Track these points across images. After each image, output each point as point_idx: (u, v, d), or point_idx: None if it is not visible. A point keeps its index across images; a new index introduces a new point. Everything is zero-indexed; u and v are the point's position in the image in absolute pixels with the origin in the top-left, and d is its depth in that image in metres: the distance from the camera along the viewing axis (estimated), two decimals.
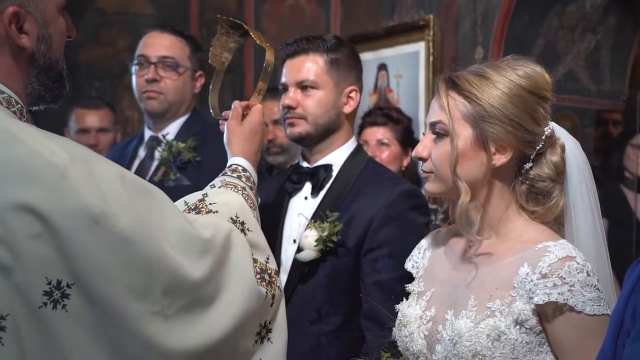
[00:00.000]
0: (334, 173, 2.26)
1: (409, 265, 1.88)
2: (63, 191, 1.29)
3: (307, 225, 2.18)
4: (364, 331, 2.10)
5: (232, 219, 1.64)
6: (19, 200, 1.28)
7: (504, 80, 1.64)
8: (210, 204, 1.67)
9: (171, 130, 2.80)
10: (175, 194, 2.67)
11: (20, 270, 1.27)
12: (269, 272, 1.63)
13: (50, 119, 1.51)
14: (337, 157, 2.28)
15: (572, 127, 4.15)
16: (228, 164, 1.88)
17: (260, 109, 1.95)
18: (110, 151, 3.16)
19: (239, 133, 1.91)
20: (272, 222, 2.26)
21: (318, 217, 2.18)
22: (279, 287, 1.65)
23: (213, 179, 2.67)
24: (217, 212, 1.65)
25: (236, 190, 1.76)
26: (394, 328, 1.80)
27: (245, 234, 1.63)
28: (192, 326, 1.42)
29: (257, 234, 1.68)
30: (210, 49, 2.07)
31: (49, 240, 1.28)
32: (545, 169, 1.68)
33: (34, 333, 1.28)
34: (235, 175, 1.81)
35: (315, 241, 2.13)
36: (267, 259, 1.66)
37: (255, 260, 1.61)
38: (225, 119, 1.97)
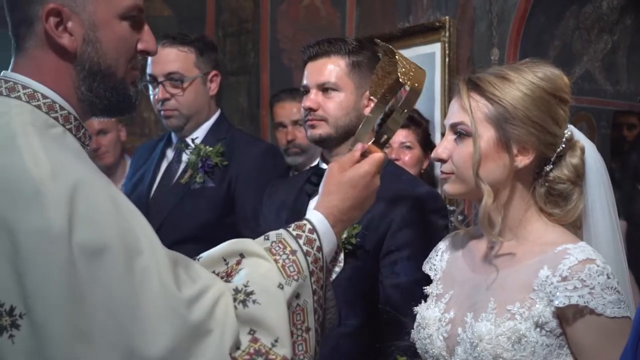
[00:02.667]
0: None
1: (426, 267, 1.89)
2: (31, 208, 1.23)
3: None
4: (383, 334, 2.11)
5: (236, 288, 1.41)
6: None
7: (525, 82, 1.65)
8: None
9: (199, 134, 2.81)
10: (200, 195, 2.72)
11: None
12: (270, 356, 1.38)
13: None
14: None
15: (589, 128, 4.15)
16: (306, 215, 1.61)
17: (376, 161, 1.62)
18: (138, 150, 3.18)
19: (335, 181, 1.60)
20: (290, 223, 2.27)
21: None
22: None
23: (236, 183, 2.66)
24: (242, 269, 1.46)
25: (283, 252, 1.49)
26: (412, 330, 1.81)
27: (245, 305, 1.39)
28: None
29: (267, 309, 1.40)
30: (372, 77, 1.78)
31: (10, 258, 1.21)
32: (565, 171, 1.68)
33: None
34: (295, 233, 1.53)
35: None
36: (276, 341, 1.39)
37: (254, 340, 1.38)
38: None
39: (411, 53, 4.26)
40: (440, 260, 1.86)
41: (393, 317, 2.06)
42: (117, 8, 1.41)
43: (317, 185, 2.28)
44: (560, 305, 1.55)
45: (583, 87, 3.98)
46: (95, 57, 1.41)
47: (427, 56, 4.16)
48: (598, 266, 1.55)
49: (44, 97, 1.38)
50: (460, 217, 3.04)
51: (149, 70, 2.79)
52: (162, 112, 2.79)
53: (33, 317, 1.21)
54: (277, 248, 1.50)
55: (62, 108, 1.40)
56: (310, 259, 1.50)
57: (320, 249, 1.53)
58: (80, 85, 1.42)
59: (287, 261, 1.47)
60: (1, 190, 1.24)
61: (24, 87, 1.38)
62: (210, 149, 2.72)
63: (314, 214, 1.58)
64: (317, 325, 1.50)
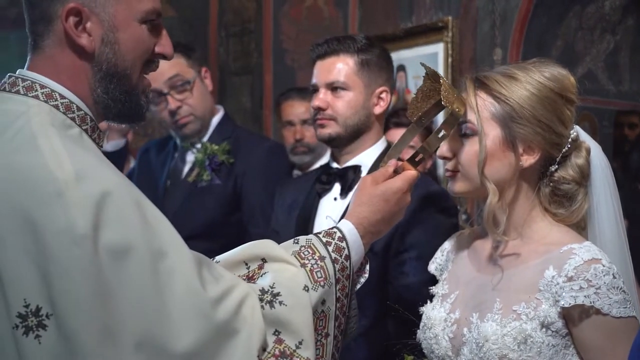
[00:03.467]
0: (363, 174, 2.24)
1: (432, 267, 1.89)
2: (55, 209, 1.23)
3: None
4: (392, 334, 2.11)
5: (262, 289, 1.43)
6: (16, 210, 1.23)
7: (532, 81, 1.65)
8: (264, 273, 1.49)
9: (204, 132, 2.83)
10: (207, 193, 2.73)
11: (4, 280, 1.22)
12: (296, 359, 1.40)
13: None
14: (366, 157, 2.27)
15: (591, 127, 4.15)
16: (336, 224, 1.63)
17: (409, 178, 1.65)
18: (147, 143, 3.19)
19: (367, 193, 1.63)
20: (301, 222, 2.27)
21: None
22: None
23: (243, 180, 2.67)
24: (265, 273, 1.48)
25: (312, 257, 1.51)
26: (418, 330, 1.81)
27: (273, 306, 1.41)
28: None
29: (293, 311, 1.42)
30: (411, 99, 1.79)
31: (34, 258, 1.21)
32: (570, 172, 1.68)
33: (13, 353, 1.22)
34: (325, 240, 1.55)
35: None
36: (300, 343, 1.40)
37: (279, 341, 1.40)
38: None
39: (414, 53, 4.27)
40: (445, 260, 1.86)
41: (402, 316, 2.07)
42: (137, 11, 1.42)
43: (327, 184, 2.28)
44: (566, 305, 1.55)
45: (585, 87, 3.97)
46: (113, 59, 1.41)
47: (430, 56, 4.17)
48: (604, 266, 1.55)
49: (62, 97, 1.39)
50: (464, 217, 3.05)
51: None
52: (177, 122, 2.78)
53: (59, 318, 1.21)
54: (306, 253, 1.52)
55: (79, 109, 1.40)
56: (337, 267, 1.52)
57: (348, 257, 1.55)
58: (96, 87, 1.42)
59: (315, 266, 1.49)
60: (25, 190, 1.25)
61: (42, 87, 1.38)
62: (217, 147, 2.74)
63: (345, 224, 1.60)
64: (337, 331, 1.52)
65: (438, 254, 1.89)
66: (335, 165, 2.30)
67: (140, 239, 1.28)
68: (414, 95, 1.77)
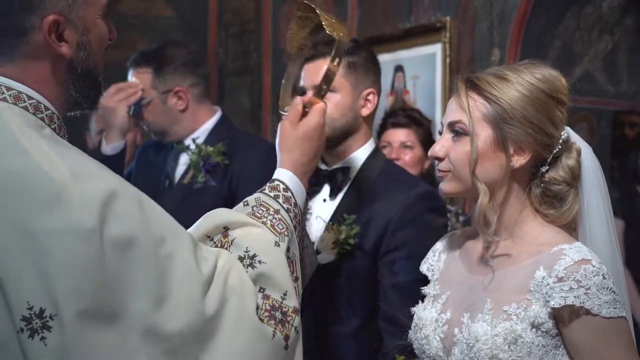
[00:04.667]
0: (352, 175, 2.26)
1: (424, 267, 1.89)
2: (54, 210, 1.24)
3: (325, 228, 2.20)
4: (382, 333, 2.11)
5: (239, 256, 1.50)
6: (13, 214, 1.23)
7: (524, 83, 1.66)
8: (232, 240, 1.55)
9: (200, 134, 2.83)
10: (202, 195, 2.74)
11: (6, 286, 1.23)
12: (284, 309, 1.47)
13: (72, 123, 1.49)
14: (355, 159, 2.28)
15: (589, 128, 4.15)
16: (273, 176, 1.71)
17: (321, 110, 1.77)
18: (146, 146, 3.20)
19: (292, 137, 1.74)
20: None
21: (336, 219, 2.19)
22: (295, 327, 1.49)
23: (238, 182, 2.69)
24: (234, 239, 1.54)
25: (267, 213, 1.60)
26: (410, 330, 1.82)
27: (254, 267, 1.49)
28: None
29: (273, 267, 1.51)
30: (288, 34, 1.91)
31: (35, 260, 1.22)
32: (560, 172, 1.69)
33: (19, 356, 1.23)
34: (272, 194, 1.65)
35: (333, 244, 2.14)
36: (285, 294, 1.49)
37: (266, 297, 1.47)
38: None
39: (412, 53, 4.27)
40: (437, 260, 1.87)
41: (392, 316, 2.08)
42: (99, 7, 1.44)
43: (316, 186, 2.30)
44: (556, 305, 1.55)
45: (583, 88, 3.97)
46: (87, 60, 1.43)
47: (428, 56, 4.17)
48: (594, 266, 1.56)
49: (29, 97, 1.38)
50: (462, 218, 3.05)
51: None
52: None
53: (63, 317, 1.22)
54: (260, 211, 1.61)
55: (46, 108, 1.40)
56: (291, 215, 1.64)
57: (296, 204, 1.67)
58: (70, 89, 1.43)
59: (274, 221, 1.59)
60: (20, 195, 1.25)
61: (8, 89, 1.37)
62: (211, 148, 2.74)
63: (283, 173, 1.70)
64: (301, 272, 1.62)
65: (430, 254, 1.90)
66: (324, 167, 2.31)
67: (141, 229, 1.31)
68: (290, 28, 1.87)
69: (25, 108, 1.37)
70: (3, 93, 1.37)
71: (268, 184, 1.68)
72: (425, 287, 1.85)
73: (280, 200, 1.64)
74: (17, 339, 1.22)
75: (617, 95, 4.25)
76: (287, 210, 1.63)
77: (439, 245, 1.89)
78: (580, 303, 1.54)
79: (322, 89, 1.79)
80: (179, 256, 1.35)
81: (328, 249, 2.15)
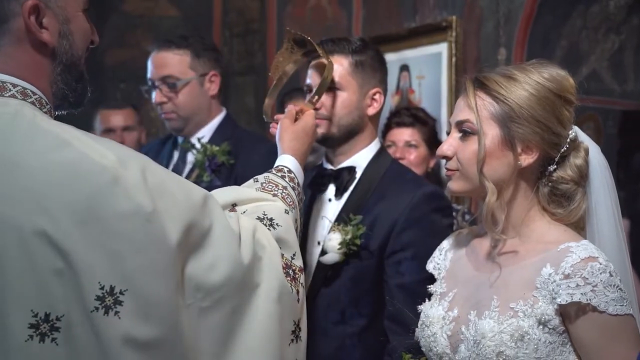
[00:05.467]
0: (358, 175, 2.27)
1: (430, 266, 1.90)
2: (116, 195, 1.30)
3: (331, 228, 2.19)
4: (388, 333, 2.11)
5: (259, 217, 1.65)
6: (75, 204, 1.29)
7: (531, 82, 1.66)
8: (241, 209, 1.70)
9: (205, 133, 2.83)
10: None
11: (73, 273, 1.28)
12: (294, 268, 1.63)
13: (76, 122, 1.50)
14: (360, 159, 2.29)
15: (596, 127, 4.13)
16: (276, 163, 1.94)
17: (313, 115, 2.07)
18: (144, 148, 3.20)
19: (291, 131, 2.00)
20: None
21: (342, 219, 2.19)
22: (302, 284, 1.65)
23: (244, 181, 2.72)
24: (245, 211, 1.68)
25: (277, 188, 1.80)
26: (416, 329, 1.82)
27: (274, 228, 1.65)
28: (232, 328, 1.44)
29: (286, 230, 1.68)
30: (274, 61, 2.17)
31: (102, 243, 1.29)
32: (568, 172, 1.69)
33: (87, 335, 1.29)
34: (279, 174, 1.86)
35: (339, 244, 2.14)
36: (294, 255, 1.66)
37: (282, 255, 1.62)
38: (277, 122, 2.07)
39: (418, 53, 4.26)
40: (444, 259, 1.87)
41: (397, 316, 2.07)
42: (80, 1, 1.48)
43: (322, 185, 2.29)
44: (563, 302, 1.55)
45: (590, 87, 3.93)
46: (70, 51, 1.46)
47: (434, 56, 4.16)
48: (600, 264, 1.56)
49: (33, 93, 1.41)
50: (468, 217, 3.04)
51: (148, 74, 2.82)
52: (161, 116, 2.84)
53: (135, 291, 1.30)
54: (270, 187, 1.81)
55: (47, 102, 1.44)
56: (296, 192, 1.85)
57: (299, 184, 1.90)
58: (57, 80, 1.46)
59: (283, 194, 1.80)
60: (79, 184, 1.30)
61: (14, 85, 1.39)
62: (217, 147, 2.73)
63: (287, 158, 1.94)
64: None
65: (436, 253, 1.90)
66: (329, 166, 2.31)
67: (182, 199, 1.39)
68: (277, 57, 2.16)
69: (33, 103, 1.40)
70: (10, 90, 1.39)
71: (274, 168, 1.90)
72: (431, 286, 1.85)
73: (287, 180, 1.85)
74: (89, 320, 1.29)
75: (624, 94, 4.24)
76: (293, 188, 1.84)
77: (446, 244, 1.90)
78: (587, 300, 1.54)
79: (314, 98, 2.08)
80: (217, 215, 1.46)
81: (334, 249, 2.15)
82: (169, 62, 2.79)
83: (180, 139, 2.91)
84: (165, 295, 1.34)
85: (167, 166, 2.89)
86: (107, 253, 1.29)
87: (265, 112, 2.18)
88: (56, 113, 1.52)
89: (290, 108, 2.08)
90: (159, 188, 1.36)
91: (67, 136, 1.34)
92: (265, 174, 1.86)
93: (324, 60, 2.12)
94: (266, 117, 2.19)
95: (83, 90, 1.53)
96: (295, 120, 2.05)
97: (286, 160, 1.94)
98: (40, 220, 1.28)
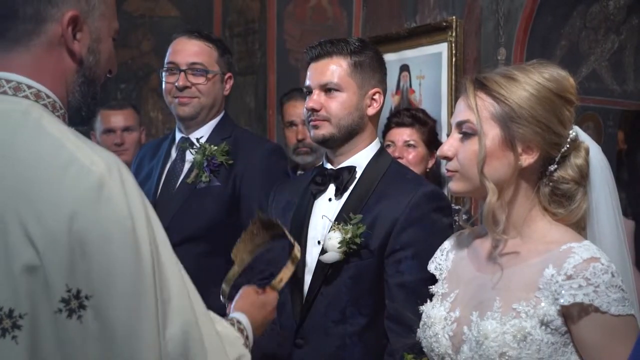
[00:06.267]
0: (358, 175, 2.27)
1: (432, 267, 1.90)
2: (101, 201, 1.31)
3: (331, 227, 2.20)
4: (388, 332, 2.12)
5: None
6: (60, 204, 1.29)
7: (531, 82, 1.66)
8: None
9: (204, 133, 2.83)
10: (206, 195, 2.73)
11: (44, 271, 1.28)
12: None
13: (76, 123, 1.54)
14: (360, 158, 2.29)
15: (596, 127, 4.13)
16: (228, 316, 1.81)
17: (276, 296, 1.94)
18: (142, 149, 3.20)
19: (250, 298, 1.89)
20: (296, 223, 2.29)
21: (342, 219, 2.19)
22: None
23: (241, 182, 2.70)
24: None
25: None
26: (418, 329, 1.82)
27: None
28: None
29: None
30: (237, 243, 2.05)
31: (78, 246, 1.28)
32: (569, 171, 1.69)
33: (50, 335, 1.28)
34: (234, 327, 1.73)
35: (339, 243, 2.15)
36: None
37: None
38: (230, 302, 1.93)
39: (418, 53, 4.27)
40: (445, 259, 1.87)
41: (398, 315, 2.08)
42: (112, 29, 1.53)
43: (322, 185, 2.30)
44: (566, 303, 1.56)
45: (590, 87, 3.97)
46: (94, 68, 1.50)
47: (434, 56, 4.17)
48: (602, 264, 1.56)
49: (47, 96, 1.43)
50: (465, 217, 3.05)
51: (170, 57, 2.82)
52: (177, 100, 2.81)
53: (99, 298, 1.29)
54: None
55: (61, 107, 1.46)
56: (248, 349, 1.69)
57: (249, 339, 1.75)
58: (75, 91, 1.49)
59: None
60: (68, 185, 1.30)
61: (29, 87, 1.42)
62: (215, 147, 2.74)
63: (238, 314, 1.80)
64: None
65: (437, 253, 1.90)
66: (329, 166, 2.32)
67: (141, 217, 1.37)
68: (240, 240, 2.02)
69: (45, 106, 1.42)
70: (24, 91, 1.42)
71: (224, 319, 1.76)
72: (433, 286, 1.85)
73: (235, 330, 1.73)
74: (52, 321, 1.27)
75: (624, 94, 4.24)
76: (245, 345, 1.70)
77: (447, 245, 1.90)
78: (590, 301, 1.54)
79: (279, 279, 1.92)
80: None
81: (334, 247, 2.15)
82: (200, 51, 2.81)
83: (178, 136, 2.90)
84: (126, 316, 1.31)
85: (164, 165, 2.89)
86: (82, 257, 1.28)
87: (223, 294, 2.01)
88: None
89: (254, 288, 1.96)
90: (135, 204, 1.35)
91: (63, 139, 1.36)
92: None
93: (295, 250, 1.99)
94: (223, 299, 2.01)
95: (94, 106, 1.56)
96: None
97: (238, 316, 1.80)
98: (23, 212, 1.28)
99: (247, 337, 1.74)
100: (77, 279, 1.28)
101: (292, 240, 1.96)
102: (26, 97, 1.41)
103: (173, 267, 1.39)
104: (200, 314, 1.40)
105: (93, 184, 1.31)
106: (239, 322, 1.76)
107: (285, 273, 1.94)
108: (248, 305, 1.86)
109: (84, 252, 1.28)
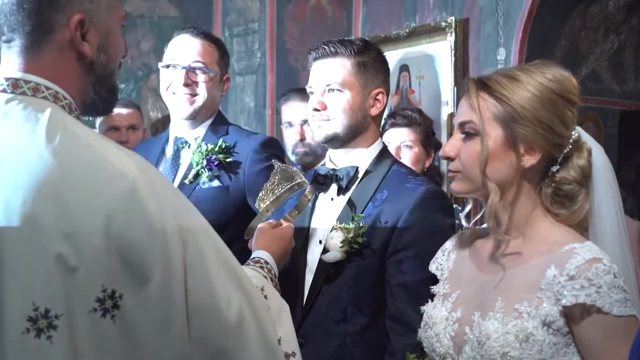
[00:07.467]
0: (360, 174, 2.27)
1: (433, 267, 1.90)
2: (134, 203, 1.32)
3: (333, 226, 2.20)
4: (389, 332, 2.12)
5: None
6: (95, 204, 1.30)
7: (534, 83, 1.66)
8: None
9: (199, 133, 2.82)
10: (207, 194, 2.73)
11: (83, 271, 1.29)
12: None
13: (80, 121, 1.55)
14: (363, 158, 2.29)
15: (596, 128, 4.14)
16: (251, 257, 1.95)
17: (291, 226, 2.11)
18: (135, 149, 3.19)
19: (268, 234, 2.04)
20: (298, 222, 2.29)
21: (344, 218, 2.20)
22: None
23: (244, 176, 2.72)
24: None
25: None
26: (419, 329, 1.82)
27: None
28: None
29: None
30: (260, 193, 2.23)
31: (114, 248, 1.30)
32: (571, 172, 1.69)
33: (85, 335, 1.30)
34: (257, 266, 1.88)
35: (341, 242, 2.15)
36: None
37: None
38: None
39: (417, 53, 4.27)
40: (447, 259, 1.87)
41: (399, 315, 2.08)
42: (119, 18, 1.53)
43: (324, 184, 2.30)
44: (568, 304, 1.56)
45: (589, 87, 3.97)
46: (106, 64, 1.50)
47: (434, 56, 4.17)
48: (605, 265, 1.56)
49: (64, 97, 1.45)
50: (466, 217, 3.06)
51: (170, 54, 2.81)
52: (175, 96, 2.80)
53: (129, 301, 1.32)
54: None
55: (76, 109, 1.47)
56: (273, 283, 1.85)
57: (275, 276, 1.92)
58: (88, 90, 1.49)
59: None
60: (101, 186, 1.32)
61: (47, 88, 1.43)
62: (212, 146, 2.73)
63: (261, 253, 1.96)
64: None
65: (439, 253, 1.90)
66: (332, 165, 2.32)
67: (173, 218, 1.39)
68: (261, 193, 2.22)
69: (63, 107, 1.44)
70: (43, 92, 1.43)
71: (250, 260, 1.93)
72: (434, 287, 1.85)
73: (265, 271, 1.87)
74: (88, 320, 1.29)
75: (623, 94, 4.25)
76: (271, 279, 1.85)
77: (448, 245, 1.90)
78: (592, 301, 1.54)
79: (294, 212, 2.16)
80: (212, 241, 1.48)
81: (336, 247, 2.15)
82: (203, 51, 2.79)
83: (172, 135, 2.88)
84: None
85: (158, 165, 2.88)
86: (118, 258, 1.31)
87: (247, 232, 2.21)
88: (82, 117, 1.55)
89: (270, 222, 2.13)
90: (169, 203, 1.39)
91: (90, 139, 1.38)
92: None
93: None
94: (246, 235, 2.21)
95: (113, 99, 1.57)
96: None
97: (262, 254, 1.95)
98: (57, 214, 1.29)
99: (269, 270, 1.88)
100: (113, 280, 1.30)
101: (308, 184, 2.19)
102: (45, 98, 1.42)
103: (213, 255, 1.43)
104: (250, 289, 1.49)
105: (126, 187, 1.33)
106: (266, 262, 1.90)
107: (299, 207, 2.16)
108: (269, 242, 2.01)
109: (119, 255, 1.30)
